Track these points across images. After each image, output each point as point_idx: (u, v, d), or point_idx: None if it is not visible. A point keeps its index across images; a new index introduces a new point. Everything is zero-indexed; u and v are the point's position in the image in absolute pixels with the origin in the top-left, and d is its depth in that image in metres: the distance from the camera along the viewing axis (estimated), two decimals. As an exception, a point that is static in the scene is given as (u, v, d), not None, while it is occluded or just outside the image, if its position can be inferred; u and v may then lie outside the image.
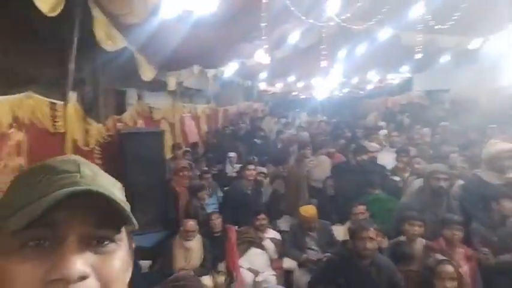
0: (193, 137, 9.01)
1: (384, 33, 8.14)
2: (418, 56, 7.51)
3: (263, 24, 5.01)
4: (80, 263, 0.57)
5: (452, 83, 14.01)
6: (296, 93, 17.28)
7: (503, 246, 3.29)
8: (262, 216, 4.63)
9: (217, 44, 5.74)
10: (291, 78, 13.76)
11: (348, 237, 3.45)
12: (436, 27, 7.31)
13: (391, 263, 3.16)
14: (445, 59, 11.97)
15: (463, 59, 12.34)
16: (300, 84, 15.03)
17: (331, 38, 7.47)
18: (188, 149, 7.50)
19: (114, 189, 0.65)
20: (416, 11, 6.66)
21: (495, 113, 9.64)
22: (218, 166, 7.44)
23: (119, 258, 0.63)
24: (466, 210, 3.66)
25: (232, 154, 7.57)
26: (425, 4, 6.29)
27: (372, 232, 3.02)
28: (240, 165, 6.67)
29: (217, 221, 4.54)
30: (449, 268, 2.72)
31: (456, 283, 2.73)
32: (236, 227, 4.68)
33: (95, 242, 0.60)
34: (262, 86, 14.80)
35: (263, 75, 12.15)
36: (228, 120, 12.31)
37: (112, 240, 0.62)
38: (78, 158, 0.68)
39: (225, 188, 6.13)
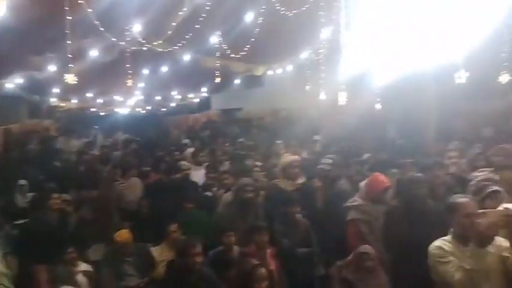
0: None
1: (186, 57, 8.63)
2: (218, 79, 8.25)
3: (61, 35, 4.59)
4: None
5: (243, 103, 15.89)
6: (95, 109, 16.18)
7: (300, 241, 4.00)
8: (71, 249, 4.18)
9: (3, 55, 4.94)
10: (89, 94, 12.84)
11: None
12: (231, 55, 8.22)
13: (213, 273, 3.39)
14: (237, 81, 13.45)
15: (251, 83, 14.14)
16: (100, 100, 14.18)
17: (134, 56, 7.43)
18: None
19: None
20: (214, 40, 7.36)
21: (278, 129, 11.46)
22: (3, 197, 6.26)
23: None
24: (269, 215, 4.25)
25: (23, 182, 6.52)
26: (222, 35, 7.05)
27: (198, 248, 3.19)
28: (33, 193, 5.80)
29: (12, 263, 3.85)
30: (262, 270, 3.10)
31: (267, 282, 3.14)
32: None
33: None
34: (54, 101, 13.29)
35: (55, 89, 10.95)
36: (11, 142, 10.50)
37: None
38: None
39: (19, 222, 5.22)
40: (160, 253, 4.47)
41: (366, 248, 3.50)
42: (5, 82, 8.16)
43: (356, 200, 3.95)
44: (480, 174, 3.67)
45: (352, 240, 3.80)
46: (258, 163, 5.98)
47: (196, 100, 16.66)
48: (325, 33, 6.76)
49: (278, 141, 8.42)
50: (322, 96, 7.10)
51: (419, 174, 4.08)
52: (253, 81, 13.80)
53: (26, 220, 5.13)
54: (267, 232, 3.77)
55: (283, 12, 5.78)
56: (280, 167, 4.69)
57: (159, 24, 5.69)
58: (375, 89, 6.50)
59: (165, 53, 7.71)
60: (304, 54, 9.90)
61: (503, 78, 5.82)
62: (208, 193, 5.43)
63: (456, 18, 4.39)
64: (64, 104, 14.44)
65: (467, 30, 4.33)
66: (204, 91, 14.45)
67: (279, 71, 11.64)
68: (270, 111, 14.73)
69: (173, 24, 5.28)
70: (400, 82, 5.80)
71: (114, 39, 6.04)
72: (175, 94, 14.73)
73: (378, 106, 6.75)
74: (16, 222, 5.27)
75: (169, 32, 5.51)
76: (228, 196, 4.72)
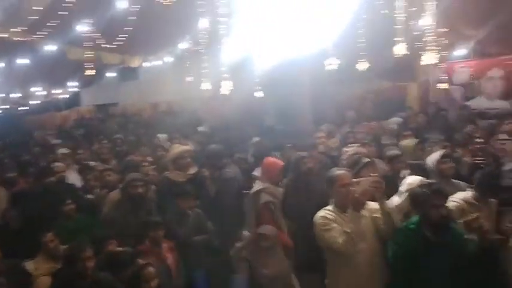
0: None
1: (48, 47, 7.73)
2: (90, 72, 7.62)
3: None
4: None
5: (119, 97, 15.00)
6: None
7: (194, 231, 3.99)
8: None
9: None
10: None
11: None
12: (103, 45, 7.64)
13: (106, 276, 3.18)
14: (111, 74, 12.60)
15: (126, 75, 13.42)
16: None
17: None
18: None
19: None
20: (83, 28, 6.72)
21: (158, 123, 11.11)
22: None
23: None
24: (162, 209, 4.13)
25: None
26: (93, 24, 6.48)
27: (89, 251, 2.96)
28: None
29: None
30: (150, 270, 3.01)
31: (157, 281, 3.06)
32: None
33: None
34: None
35: None
36: None
37: None
38: None
39: None
40: (36, 267, 3.99)
41: (264, 228, 3.65)
42: None
43: (262, 184, 4.07)
44: (350, 149, 4.16)
45: (266, 223, 3.91)
46: (145, 158, 5.72)
47: (64, 96, 15.09)
48: (203, 22, 6.76)
49: (161, 135, 8.18)
50: (206, 86, 7.11)
51: (304, 153, 4.43)
52: (128, 73, 13.12)
53: None
54: (162, 227, 3.67)
55: (159, 1, 5.60)
56: (170, 158, 4.58)
57: (17, 10, 4.97)
58: (255, 78, 6.77)
59: (22, 42, 6.80)
60: (183, 45, 9.76)
61: (361, 66, 6.65)
62: (90, 195, 5.00)
63: (322, 9, 4.84)
64: None
65: (332, 21, 4.80)
66: (72, 86, 13.17)
67: (157, 62, 11.28)
68: (148, 104, 14.21)
69: (34, 9, 4.65)
70: (277, 70, 6.15)
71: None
72: (39, 90, 13.11)
73: (259, 94, 7.05)
74: None
75: (30, 19, 4.85)
76: (114, 194, 4.43)
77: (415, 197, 2.74)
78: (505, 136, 4.89)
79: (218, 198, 4.60)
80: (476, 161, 3.59)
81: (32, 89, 12.72)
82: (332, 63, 4.62)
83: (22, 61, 8.08)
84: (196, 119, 10.54)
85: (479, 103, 8.19)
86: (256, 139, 7.07)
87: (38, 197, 4.98)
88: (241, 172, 5.14)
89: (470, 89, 8.42)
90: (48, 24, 5.59)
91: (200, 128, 9.28)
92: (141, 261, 3.21)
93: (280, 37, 5.35)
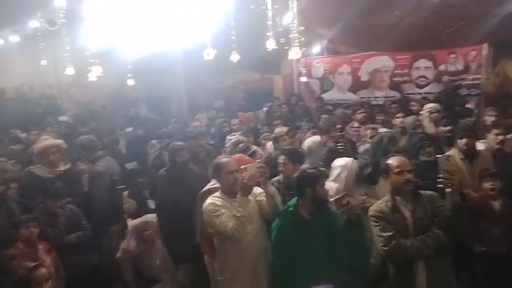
0: None
1: None
2: None
3: None
4: None
5: None
6: None
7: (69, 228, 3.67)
8: None
9: None
10: None
11: None
12: None
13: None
14: None
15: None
16: None
17: None
18: None
19: None
20: None
21: (5, 112, 9.62)
22: None
23: None
24: (27, 208, 3.66)
25: None
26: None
27: None
28: None
29: None
30: (42, 271, 2.78)
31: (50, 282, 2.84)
32: None
33: None
34: None
35: None
36: None
37: None
38: None
39: None
40: None
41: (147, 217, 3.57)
42: None
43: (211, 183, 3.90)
44: (233, 138, 4.33)
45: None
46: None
47: None
48: (59, 1, 6.06)
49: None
50: (69, 71, 6.44)
51: (180, 143, 4.40)
52: None
53: None
54: (34, 225, 3.29)
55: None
56: (36, 152, 4.05)
57: None
58: (127, 65, 6.41)
59: None
60: (33, 23, 8.59)
61: (234, 57, 6.90)
62: None
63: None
64: None
65: (209, 12, 4.84)
66: None
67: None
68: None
69: None
70: (150, 59, 5.94)
71: None
72: None
73: (131, 82, 6.70)
74: None
75: None
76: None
77: (297, 180, 2.92)
78: (356, 124, 5.73)
79: (91, 193, 4.28)
80: (338, 146, 4.12)
81: None
82: (210, 53, 4.68)
83: None
84: (55, 108, 9.48)
85: (333, 95, 9.32)
86: (129, 129, 6.75)
87: None
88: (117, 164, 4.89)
89: (326, 82, 9.50)
90: None
91: (61, 118, 8.39)
92: (29, 263, 2.90)
93: (152, 24, 5.17)
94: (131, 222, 3.96)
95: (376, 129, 5.01)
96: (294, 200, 2.96)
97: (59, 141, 4.22)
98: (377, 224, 2.73)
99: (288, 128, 5.41)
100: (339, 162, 3.50)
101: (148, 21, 5.40)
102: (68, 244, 3.60)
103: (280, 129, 5.22)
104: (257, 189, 3.15)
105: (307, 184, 2.84)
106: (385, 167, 2.81)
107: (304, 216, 2.86)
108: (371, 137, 4.68)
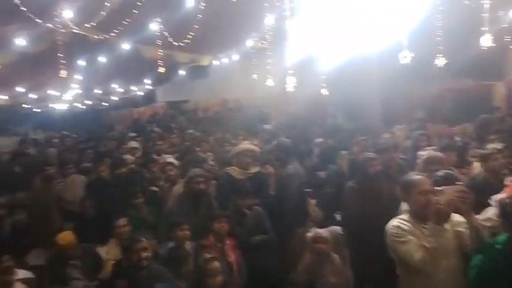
0: None
1: (124, 46, 8.16)
2: (161, 70, 7.93)
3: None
4: None
5: (190, 95, 15.56)
6: (28, 106, 15.01)
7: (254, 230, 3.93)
8: (6, 257, 3.79)
9: None
10: (20, 89, 11.84)
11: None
12: (173, 43, 7.90)
13: (165, 270, 3.23)
14: (182, 72, 13.09)
15: (197, 74, 13.85)
16: (33, 96, 13.16)
17: (67, 46, 6.90)
18: None
19: None
20: (155, 27, 7.00)
21: (226, 120, 11.32)
22: None
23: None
24: (222, 205, 4.13)
25: None
26: (163, 22, 6.72)
27: (145, 243, 3.04)
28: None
29: None
30: (215, 264, 2.99)
31: (223, 276, 3.03)
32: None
33: None
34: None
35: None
36: None
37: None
38: None
39: None
40: (107, 252, 4.22)
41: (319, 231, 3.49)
42: None
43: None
44: (425, 153, 3.80)
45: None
46: (209, 153, 5.82)
47: (140, 93, 16.02)
48: (269, 19, 6.69)
49: (227, 132, 8.31)
50: (270, 83, 7.06)
51: (372, 154, 4.16)
52: (199, 71, 13.52)
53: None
54: (226, 221, 3.64)
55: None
56: (233, 155, 4.59)
57: (92, 9, 5.28)
58: (321, 75, 6.56)
59: (101, 41, 7.25)
60: (249, 42, 9.82)
61: (440, 62, 6.11)
62: (154, 188, 5.20)
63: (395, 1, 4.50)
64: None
65: (407, 12, 4.45)
66: (147, 83, 13.91)
67: (225, 60, 11.47)
68: (217, 101, 14.55)
69: (107, 5, 4.89)
70: (345, 66, 5.90)
71: (45, 23, 5.52)
72: (117, 87, 14.05)
73: (325, 91, 6.84)
74: None
75: (104, 18, 5.13)
76: (178, 189, 4.54)
77: (506, 211, 2.35)
78: None
79: (279, 195, 4.51)
80: None
81: (112, 86, 13.67)
82: (406, 56, 4.26)
83: (101, 59, 8.63)
84: (262, 116, 10.54)
85: None
86: (319, 140, 6.86)
87: (110, 186, 5.29)
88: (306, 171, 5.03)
89: None
90: (121, 22, 5.87)
91: (266, 126, 9.25)
92: (206, 254, 3.19)
93: (348, 32, 5.11)
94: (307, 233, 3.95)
95: None
96: (504, 235, 2.36)
97: (254, 147, 4.63)
98: None
99: (504, 145, 4.39)
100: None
101: (344, 28, 5.37)
102: (251, 245, 3.85)
103: (493, 146, 4.28)
104: (457, 217, 2.59)
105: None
106: None
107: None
108: None
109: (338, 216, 4.63)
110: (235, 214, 3.99)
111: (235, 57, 11.42)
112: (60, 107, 14.66)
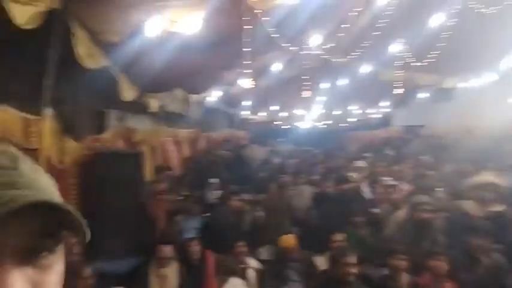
0: (174, 161, 8.81)
1: (364, 68, 8.35)
2: (399, 90, 7.70)
3: (246, 50, 4.99)
4: (19, 284, 0.48)
5: (427, 120, 14.42)
6: (279, 122, 17.42)
7: (486, 281, 3.24)
8: (242, 243, 4.47)
9: (200, 69, 5.73)
10: (274, 108, 13.89)
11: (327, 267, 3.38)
12: (413, 64, 7.55)
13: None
14: (422, 95, 12.33)
15: (438, 97, 12.75)
16: (283, 114, 15.18)
17: (312, 70, 7.60)
18: (170, 172, 7.28)
19: (54, 190, 0.56)
20: (396, 48, 6.87)
21: (469, 149, 9.86)
22: (198, 192, 7.23)
23: (57, 272, 0.53)
24: (449, 242, 3.62)
25: (213, 180, 7.40)
26: (405, 43, 6.51)
27: (353, 258, 2.97)
28: (221, 191, 6.52)
29: (195, 248, 4.31)
30: None
31: None
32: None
33: (33, 255, 0.50)
34: (245, 114, 14.86)
35: (246, 103, 12.23)
36: (211, 147, 12.16)
37: (51, 252, 0.52)
38: (15, 150, 0.56)
39: (205, 215, 5.94)
40: (322, 263, 4.37)
41: None
42: (206, 96, 9.52)
43: None
44: None
45: None
46: (441, 182, 5.21)
47: (378, 116, 16.03)
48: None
49: (466, 162, 7.23)
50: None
51: None
52: (441, 94, 12.43)
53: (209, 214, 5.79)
54: (446, 260, 3.20)
55: (479, 11, 4.95)
56: (470, 187, 3.94)
57: (335, 34, 5.65)
58: None
59: (342, 64, 7.66)
60: (507, 61, 8.36)
61: None
62: (376, 209, 5.04)
63: None
64: (253, 117, 16.03)
65: None
66: (384, 106, 13.79)
67: (474, 82, 10.14)
68: (458, 128, 12.92)
69: (346, 26, 5.10)
70: None
71: (295, 50, 6.24)
72: (355, 109, 14.51)
73: None
74: (205, 215, 6.00)
75: (346, 41, 5.39)
76: (400, 214, 4.26)
77: None
78: None
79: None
80: None
81: (350, 108, 14.23)
82: None
83: (342, 82, 9.11)
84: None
85: None
86: None
87: (333, 200, 5.48)
88: None
89: None
90: (361, 45, 6.01)
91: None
92: None
93: None
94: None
95: None
96: None
97: (495, 180, 3.84)
98: None
99: None
100: None
101: None
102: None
103: None
104: None
105: None
106: None
107: None
108: None
109: None
110: (465, 256, 3.41)
111: (488, 78, 9.93)
112: (304, 125, 16.29)
